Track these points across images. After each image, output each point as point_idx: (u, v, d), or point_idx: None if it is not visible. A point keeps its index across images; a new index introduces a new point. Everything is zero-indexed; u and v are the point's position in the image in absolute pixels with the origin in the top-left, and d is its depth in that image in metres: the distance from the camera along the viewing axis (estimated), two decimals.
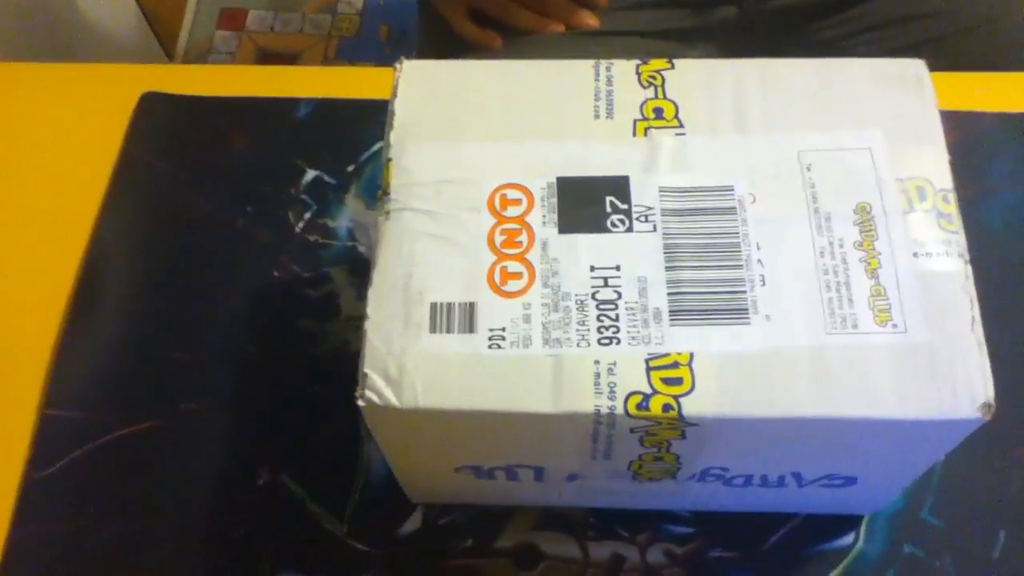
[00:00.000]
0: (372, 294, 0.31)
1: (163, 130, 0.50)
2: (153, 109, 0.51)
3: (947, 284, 0.30)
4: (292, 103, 0.51)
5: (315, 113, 0.51)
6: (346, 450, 0.42)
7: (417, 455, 0.34)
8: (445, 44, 0.67)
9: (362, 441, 0.42)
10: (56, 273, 0.47)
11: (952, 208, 0.31)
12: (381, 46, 1.32)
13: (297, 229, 0.48)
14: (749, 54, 0.69)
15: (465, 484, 0.36)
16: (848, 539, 0.39)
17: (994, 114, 0.48)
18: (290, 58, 1.34)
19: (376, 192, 0.48)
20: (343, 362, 0.44)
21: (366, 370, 0.29)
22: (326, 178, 0.49)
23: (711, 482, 0.35)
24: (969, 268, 0.30)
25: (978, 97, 0.49)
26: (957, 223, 0.31)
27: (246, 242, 0.47)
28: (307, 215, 0.48)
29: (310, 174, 0.49)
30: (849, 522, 0.39)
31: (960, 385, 0.28)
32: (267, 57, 1.34)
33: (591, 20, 0.64)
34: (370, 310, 0.30)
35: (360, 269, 0.47)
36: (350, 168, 0.49)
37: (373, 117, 0.50)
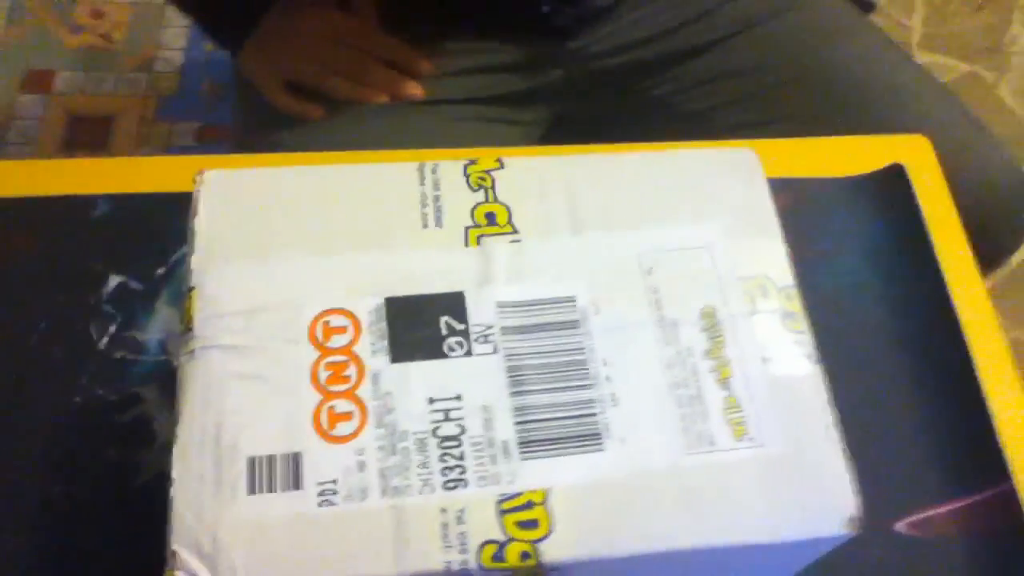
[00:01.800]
0: (177, 452, 0.26)
1: None
2: None
3: (799, 388, 0.29)
4: (89, 200, 0.45)
5: (116, 210, 0.45)
6: None
7: None
8: (263, 116, 0.64)
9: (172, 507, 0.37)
10: None
11: (796, 306, 0.30)
12: (204, 103, 1.25)
13: (100, 345, 0.42)
14: (581, 113, 0.70)
15: None
16: None
17: (822, 179, 0.49)
18: (104, 121, 1.24)
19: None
20: (160, 496, 0.38)
21: (174, 546, 0.25)
22: (132, 284, 0.44)
23: None
24: (819, 369, 0.29)
25: (804, 162, 0.50)
26: (802, 322, 0.30)
27: (41, 364, 0.41)
28: (112, 328, 0.42)
29: (113, 280, 0.44)
30: None
31: (825, 498, 0.27)
32: (78, 121, 1.24)
33: (415, 90, 0.62)
34: (175, 472, 0.26)
35: (173, 386, 0.41)
36: (159, 271, 0.44)
37: (181, 210, 0.45)
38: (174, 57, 1.29)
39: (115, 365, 0.42)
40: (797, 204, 0.48)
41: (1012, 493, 0.40)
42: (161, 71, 1.28)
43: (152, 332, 0.43)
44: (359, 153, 0.48)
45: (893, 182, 0.49)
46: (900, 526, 0.40)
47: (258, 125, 0.64)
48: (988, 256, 0.54)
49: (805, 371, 0.29)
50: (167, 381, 0.41)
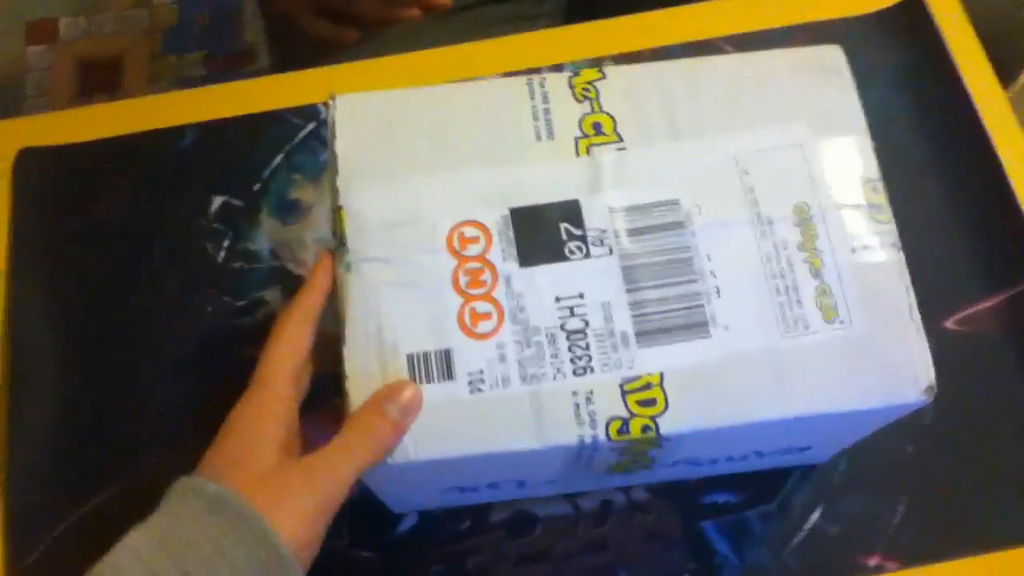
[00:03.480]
0: (347, 352, 0.31)
1: (49, 185, 0.47)
2: (33, 165, 0.48)
3: (884, 274, 0.32)
4: (175, 133, 0.48)
5: (202, 138, 0.48)
6: None
7: (405, 487, 0.36)
8: (297, 45, 0.64)
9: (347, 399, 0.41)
10: None
11: (881, 198, 0.33)
12: (205, 31, 1.24)
13: (219, 260, 0.46)
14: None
15: (449, 497, 0.38)
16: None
17: (844, 19, 0.50)
18: (112, 62, 1.24)
19: (287, 207, 0.47)
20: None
21: None
22: (234, 202, 0.47)
23: (681, 466, 0.37)
24: (902, 257, 0.32)
25: (825, 6, 0.51)
26: (887, 213, 0.33)
27: (169, 285, 0.45)
28: (225, 242, 0.46)
29: (217, 201, 0.47)
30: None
31: (905, 371, 0.31)
32: (87, 66, 1.23)
33: (442, 0, 0.63)
34: (348, 369, 0.31)
35: (292, 285, 0.45)
36: (255, 187, 0.48)
37: (263, 131, 0.48)
38: None
39: (236, 274, 0.46)
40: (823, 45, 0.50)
41: None
42: (159, 2, 1.26)
43: (261, 242, 0.46)
44: (421, 54, 0.50)
45: (913, 13, 0.50)
46: (949, 323, 0.44)
47: (294, 54, 0.65)
48: (1005, 70, 0.55)
49: (889, 258, 0.32)
50: (285, 281, 0.46)
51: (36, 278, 0.46)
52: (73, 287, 0.46)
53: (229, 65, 1.21)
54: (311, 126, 0.49)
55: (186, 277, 0.46)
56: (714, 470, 0.39)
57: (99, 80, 1.24)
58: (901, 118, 0.48)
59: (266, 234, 0.47)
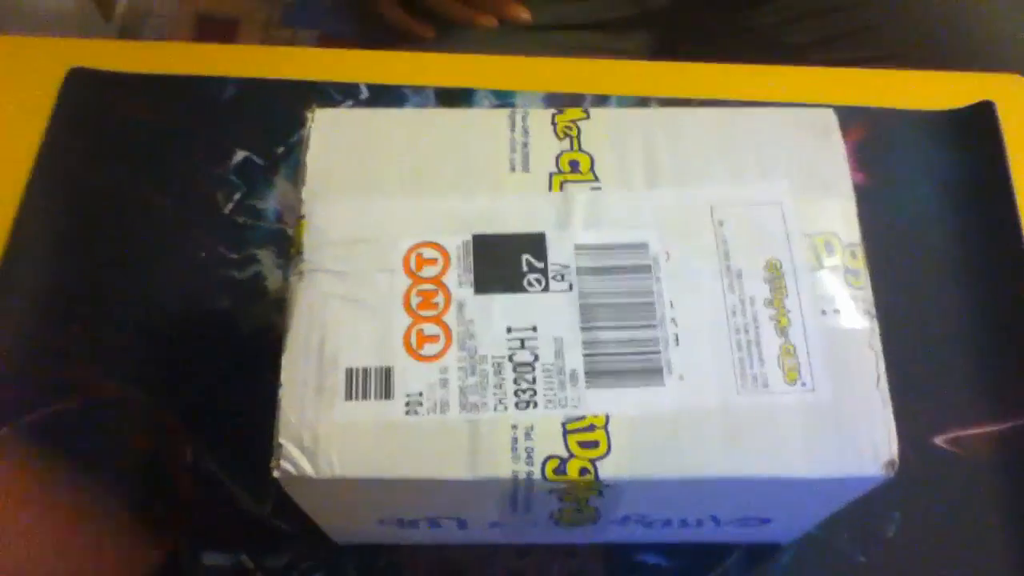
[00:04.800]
0: (285, 360, 0.30)
1: (90, 107, 0.50)
2: (79, 85, 0.50)
3: (854, 341, 0.31)
4: (220, 83, 0.51)
5: (243, 93, 0.50)
6: (269, 430, 0.41)
7: (337, 512, 0.34)
8: (378, 31, 0.67)
9: (280, 407, 0.42)
10: None
11: (860, 263, 0.32)
12: (326, 13, 1.29)
13: (225, 210, 0.48)
14: (682, 43, 0.70)
15: (388, 531, 0.36)
16: None
17: (903, 111, 0.50)
18: (230, 23, 1.30)
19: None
20: (266, 342, 0.44)
21: (280, 440, 0.29)
22: (255, 159, 0.49)
23: (632, 525, 0.35)
24: (875, 325, 0.31)
25: (891, 94, 0.51)
26: (864, 279, 0.32)
27: (173, 223, 0.47)
28: (236, 196, 0.48)
29: (239, 155, 0.49)
30: None
31: (864, 443, 0.29)
32: (206, 21, 1.30)
33: (523, 15, 0.64)
34: (284, 377, 0.30)
35: (288, 251, 0.46)
36: (279, 150, 0.49)
37: (301, 98, 0.50)
38: None
39: (237, 228, 0.47)
40: (878, 134, 0.49)
41: None
42: None
43: (270, 202, 0.48)
44: (475, 57, 0.51)
45: (981, 119, 0.49)
46: (939, 440, 0.41)
47: (372, 39, 0.68)
48: None
49: (862, 325, 0.31)
50: (281, 245, 0.47)
51: (55, 186, 0.48)
52: (84, 204, 0.47)
53: (340, 47, 1.25)
54: (348, 103, 0.50)
55: (190, 219, 0.47)
56: (669, 535, 0.37)
57: (212, 36, 1.30)
58: (942, 221, 0.47)
59: (277, 196, 0.48)
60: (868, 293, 0.32)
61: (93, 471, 0.41)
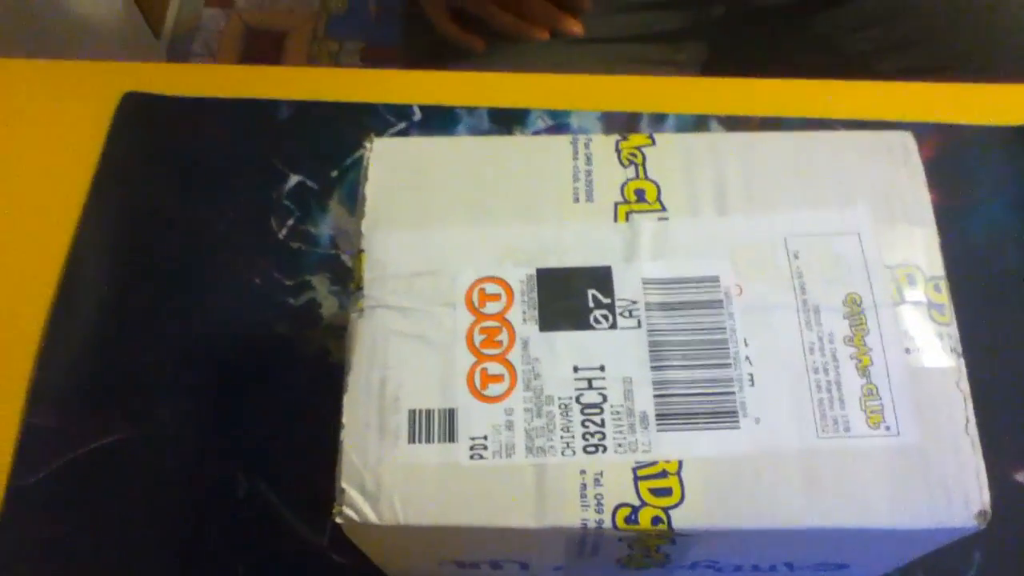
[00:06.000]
0: (347, 401, 0.29)
1: (145, 131, 0.50)
2: (135, 109, 0.50)
3: (940, 381, 0.29)
4: (274, 105, 0.50)
5: (297, 115, 0.50)
6: (325, 459, 0.41)
7: (397, 554, 0.33)
8: (427, 44, 0.66)
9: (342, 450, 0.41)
10: (35, 279, 0.46)
11: (944, 298, 0.30)
12: (371, 23, 1.30)
13: (280, 236, 0.47)
14: (738, 53, 0.69)
15: (448, 571, 0.35)
16: None
17: (976, 126, 0.48)
18: (278, 36, 1.31)
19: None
20: (322, 370, 0.44)
21: (343, 485, 0.28)
22: (309, 183, 0.48)
23: (702, 569, 0.34)
24: (962, 363, 0.29)
25: (959, 108, 0.49)
26: (949, 314, 0.30)
27: (227, 247, 0.47)
28: (290, 222, 0.48)
29: (293, 179, 0.49)
30: None
31: (955, 492, 0.28)
32: (254, 35, 1.31)
33: (575, 27, 0.63)
34: (345, 419, 0.29)
35: (342, 277, 0.46)
36: (333, 174, 0.49)
37: (355, 120, 0.50)
38: None
39: (292, 253, 0.47)
40: (951, 150, 0.47)
41: None
42: None
43: (324, 227, 0.47)
44: (528, 76, 0.51)
45: None
46: (1021, 477, 0.40)
47: (423, 53, 0.67)
48: None
49: (948, 364, 0.29)
50: (336, 271, 0.46)
51: (110, 210, 0.48)
52: (139, 229, 0.47)
53: (383, 59, 1.27)
54: (402, 125, 0.50)
55: (244, 245, 0.47)
56: None
57: (261, 50, 1.32)
58: (1016, 240, 0.45)
59: (331, 220, 0.47)
60: (954, 330, 0.30)
61: (148, 502, 0.41)
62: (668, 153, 0.33)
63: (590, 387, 0.29)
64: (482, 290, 0.31)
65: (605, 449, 0.28)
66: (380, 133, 0.49)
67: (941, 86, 0.50)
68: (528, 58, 0.63)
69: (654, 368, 0.29)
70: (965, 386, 0.29)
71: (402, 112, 0.50)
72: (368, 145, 0.34)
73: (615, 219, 0.32)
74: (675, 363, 0.29)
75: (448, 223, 0.32)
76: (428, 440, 0.29)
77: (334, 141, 0.49)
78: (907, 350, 0.29)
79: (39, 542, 0.40)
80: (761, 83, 0.50)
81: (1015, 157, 0.47)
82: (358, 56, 1.29)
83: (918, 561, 0.38)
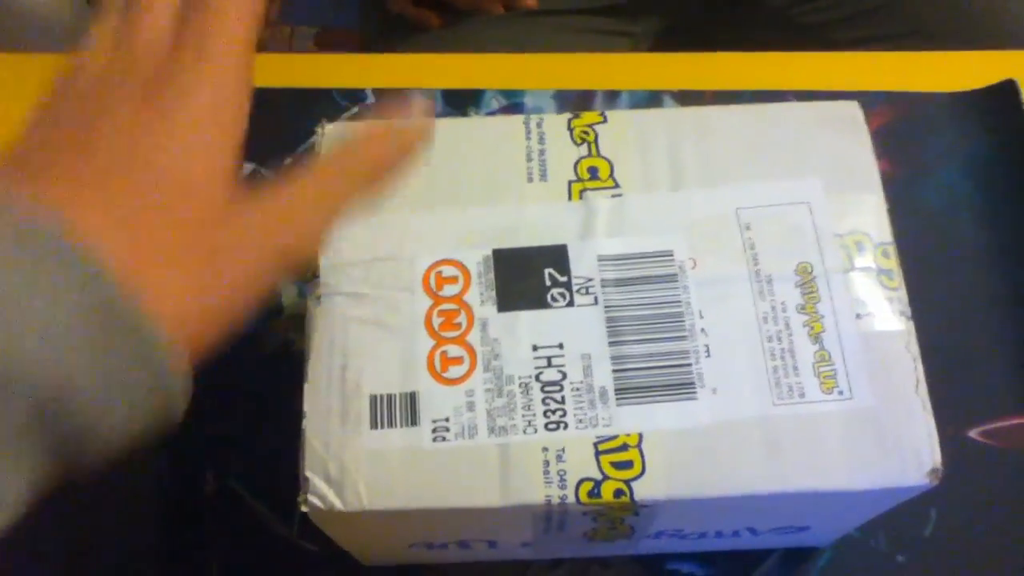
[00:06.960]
0: (308, 389, 0.29)
1: None
2: None
3: (891, 345, 0.30)
4: None
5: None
6: (291, 450, 0.41)
7: (365, 539, 0.33)
8: (384, 22, 0.66)
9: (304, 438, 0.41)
10: None
11: (892, 263, 0.31)
12: (324, 8, 1.28)
13: None
14: (692, 25, 0.69)
15: (418, 554, 0.36)
16: None
17: (927, 93, 0.49)
18: None
19: None
20: (286, 362, 0.43)
21: (307, 473, 0.28)
22: (263, 171, 0.48)
23: (666, 538, 0.34)
24: (912, 326, 0.30)
25: (911, 76, 0.50)
26: (898, 279, 0.31)
27: None
28: None
29: (247, 167, 0.48)
30: None
31: (907, 451, 0.28)
32: None
33: (529, 0, 0.63)
34: (307, 407, 0.29)
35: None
36: (287, 161, 0.48)
37: (308, 106, 0.49)
38: None
39: None
40: (902, 118, 0.48)
41: None
42: None
43: None
44: (482, 56, 0.51)
45: (1003, 97, 0.47)
46: (974, 433, 0.41)
47: (379, 31, 0.67)
48: None
49: (897, 327, 0.30)
50: None
51: None
52: None
53: (338, 43, 1.25)
54: (355, 110, 0.49)
55: None
56: (704, 545, 0.36)
57: None
58: (969, 206, 0.46)
59: None
60: (903, 294, 0.31)
61: (115, 495, 0.41)
62: (620, 130, 0.33)
63: (549, 365, 0.29)
64: (439, 273, 0.31)
65: (566, 426, 0.29)
66: (333, 118, 0.49)
67: (892, 55, 0.51)
68: (483, 32, 0.63)
69: (612, 344, 0.30)
70: (915, 348, 0.30)
71: (356, 96, 0.49)
72: (320, 130, 0.33)
73: (569, 198, 0.32)
74: (632, 338, 0.30)
75: (403, 207, 0.32)
76: (390, 425, 0.29)
77: (286, 127, 0.49)
78: (858, 315, 0.30)
79: (5, 543, 0.40)
80: (713, 56, 0.51)
81: (966, 123, 0.48)
82: (311, 40, 1.27)
83: (878, 521, 0.39)
